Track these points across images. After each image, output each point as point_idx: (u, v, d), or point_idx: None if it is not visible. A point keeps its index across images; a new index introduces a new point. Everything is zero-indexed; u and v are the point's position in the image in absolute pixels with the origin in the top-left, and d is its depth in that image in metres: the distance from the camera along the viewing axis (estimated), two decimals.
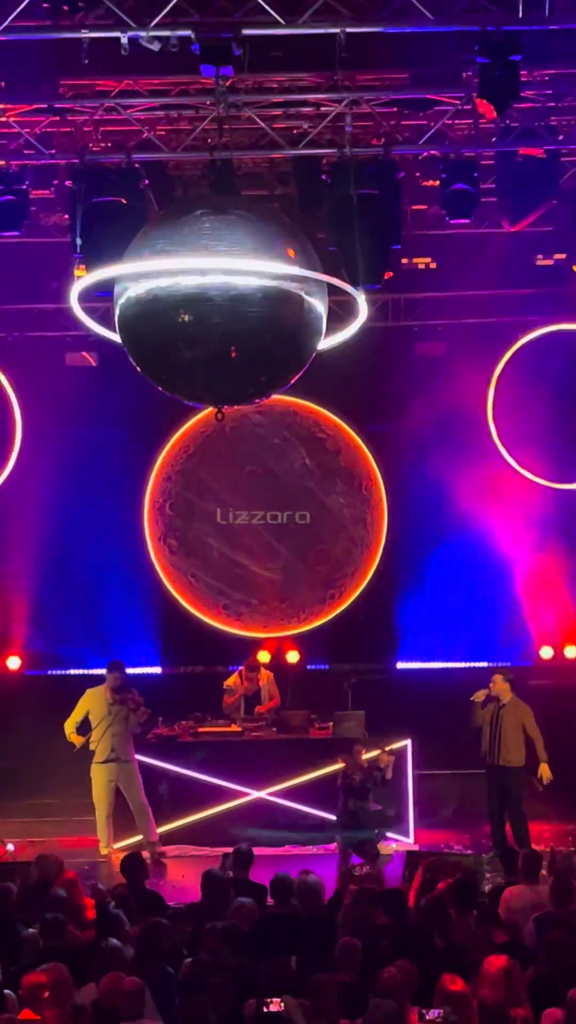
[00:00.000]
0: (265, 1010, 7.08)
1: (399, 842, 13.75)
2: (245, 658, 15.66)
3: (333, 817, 13.54)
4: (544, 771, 13.34)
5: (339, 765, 13.44)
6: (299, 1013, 7.09)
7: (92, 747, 13.83)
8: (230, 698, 14.85)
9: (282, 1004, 7.01)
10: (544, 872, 10.05)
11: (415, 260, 14.61)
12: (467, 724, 13.60)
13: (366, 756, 13.45)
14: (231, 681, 15.02)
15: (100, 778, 13.84)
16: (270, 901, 9.67)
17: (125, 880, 10.14)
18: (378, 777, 13.37)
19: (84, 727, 13.93)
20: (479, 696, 13.40)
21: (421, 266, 14.64)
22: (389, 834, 13.75)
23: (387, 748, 13.62)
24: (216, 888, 9.56)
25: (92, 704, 13.90)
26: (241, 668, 15.16)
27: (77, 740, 13.81)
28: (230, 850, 10.57)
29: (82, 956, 8.38)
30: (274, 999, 7.07)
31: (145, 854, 11.22)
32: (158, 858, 13.28)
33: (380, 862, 12.65)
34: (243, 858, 10.34)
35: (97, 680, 14.26)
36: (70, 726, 13.87)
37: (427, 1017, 7.12)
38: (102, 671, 14.30)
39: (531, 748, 13.49)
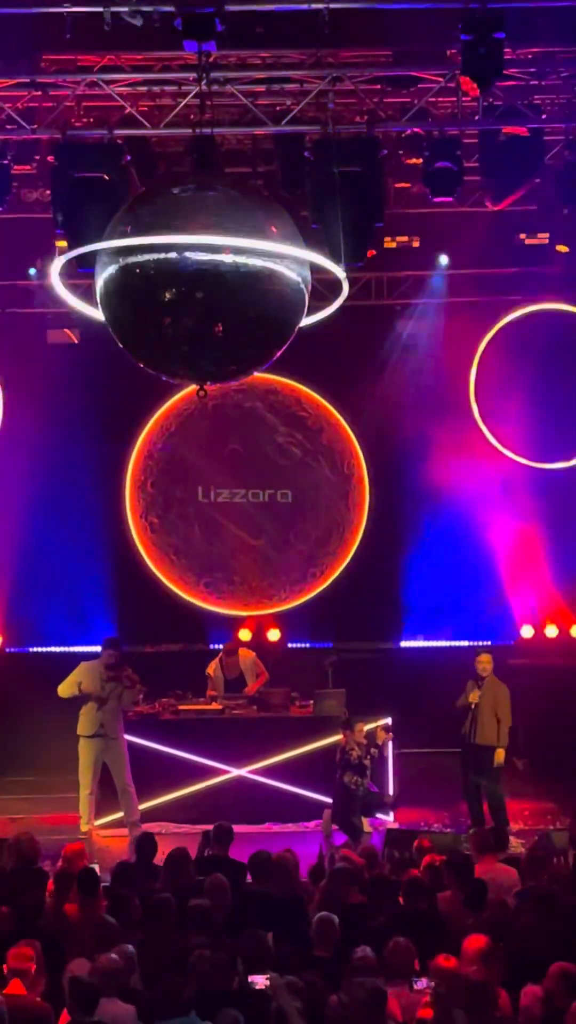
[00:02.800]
0: (248, 985, 7.09)
1: (380, 820, 13.78)
2: (226, 635, 15.65)
3: (314, 795, 13.58)
4: (499, 756, 13.30)
5: (336, 739, 13.45)
6: (285, 990, 7.09)
7: (81, 722, 13.78)
8: (211, 689, 14.83)
9: (268, 981, 7.00)
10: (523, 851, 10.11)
11: (398, 238, 14.57)
12: (448, 703, 13.64)
13: (365, 730, 13.50)
14: (211, 668, 15.01)
15: (86, 754, 13.81)
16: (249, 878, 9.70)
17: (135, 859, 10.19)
18: (375, 754, 13.42)
19: (75, 699, 13.88)
20: (474, 697, 13.38)
21: (396, 244, 14.60)
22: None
23: (380, 725, 13.68)
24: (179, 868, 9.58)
25: (85, 677, 13.85)
26: (220, 654, 15.14)
27: (91, 686, 13.76)
28: (210, 827, 10.58)
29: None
30: (259, 976, 7.07)
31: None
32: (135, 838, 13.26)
33: (362, 840, 12.70)
34: (223, 835, 10.35)
35: (77, 656, 14.24)
36: (67, 689, 13.80)
37: (416, 987, 7.15)
38: (82, 648, 14.28)
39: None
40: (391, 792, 14.01)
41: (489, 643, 16.23)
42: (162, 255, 8.64)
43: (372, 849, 10.66)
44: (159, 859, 9.94)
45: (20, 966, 7.58)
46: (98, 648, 14.22)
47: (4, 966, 7.63)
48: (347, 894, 8.94)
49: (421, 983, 7.14)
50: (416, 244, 14.91)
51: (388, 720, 13.97)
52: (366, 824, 13.40)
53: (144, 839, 10.32)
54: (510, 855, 10.53)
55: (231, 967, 7.64)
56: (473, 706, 13.29)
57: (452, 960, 7.47)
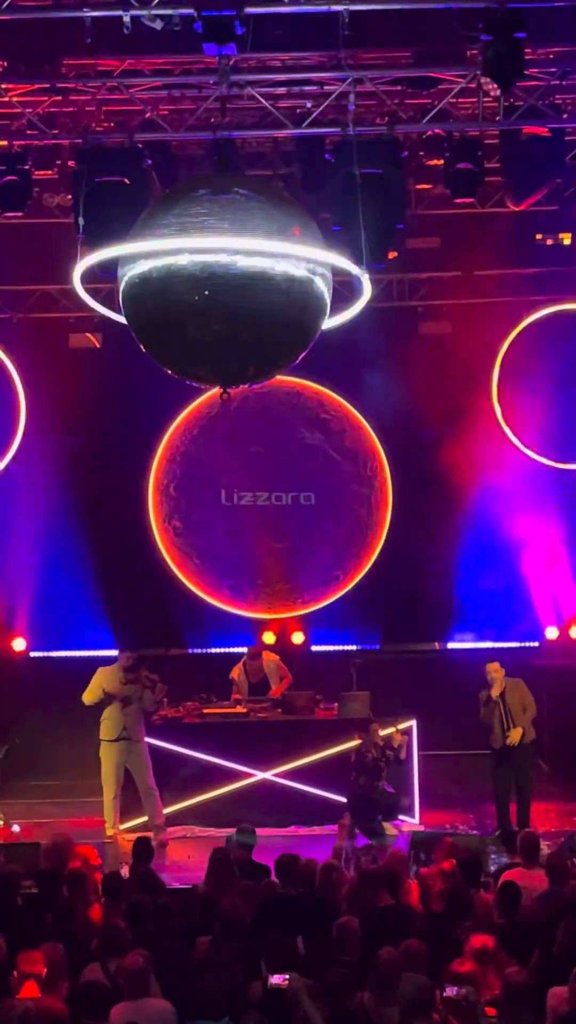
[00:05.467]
0: (268, 986, 7.08)
1: (404, 823, 13.75)
2: (250, 638, 15.64)
3: (339, 798, 13.56)
4: (515, 735, 13.31)
5: (354, 743, 13.43)
6: (304, 991, 7.09)
7: (104, 727, 13.80)
8: (236, 693, 14.85)
9: (286, 980, 7.00)
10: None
11: (419, 240, 14.56)
12: (473, 704, 13.64)
13: (381, 734, 13.47)
14: (235, 672, 15.02)
15: (109, 758, 13.84)
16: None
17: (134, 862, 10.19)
18: (391, 756, 13.40)
19: (95, 705, 13.91)
20: (496, 691, 13.41)
21: (418, 246, 14.60)
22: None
23: (399, 727, 13.65)
24: (222, 868, 9.58)
25: (105, 682, 13.89)
26: (243, 658, 15.14)
27: (112, 689, 13.77)
28: (234, 831, 10.58)
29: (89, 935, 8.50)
30: (277, 975, 7.06)
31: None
32: (161, 841, 13.29)
33: (386, 843, 12.68)
34: (246, 838, 10.35)
35: (102, 660, 14.26)
36: (92, 695, 13.82)
37: (446, 995, 7.15)
38: (107, 652, 14.28)
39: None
40: (416, 794, 13.98)
41: (514, 643, 16.22)
42: (183, 258, 8.64)
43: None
44: (185, 861, 9.95)
45: (31, 970, 7.60)
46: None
47: (15, 971, 7.65)
48: (375, 897, 8.93)
49: (452, 990, 7.13)
50: (437, 245, 14.94)
51: (410, 723, 13.95)
52: (389, 828, 13.38)
53: (139, 844, 10.37)
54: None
55: (256, 970, 7.64)
56: (500, 707, 13.29)
57: (467, 965, 7.48)
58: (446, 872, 9.43)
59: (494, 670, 13.50)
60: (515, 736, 13.26)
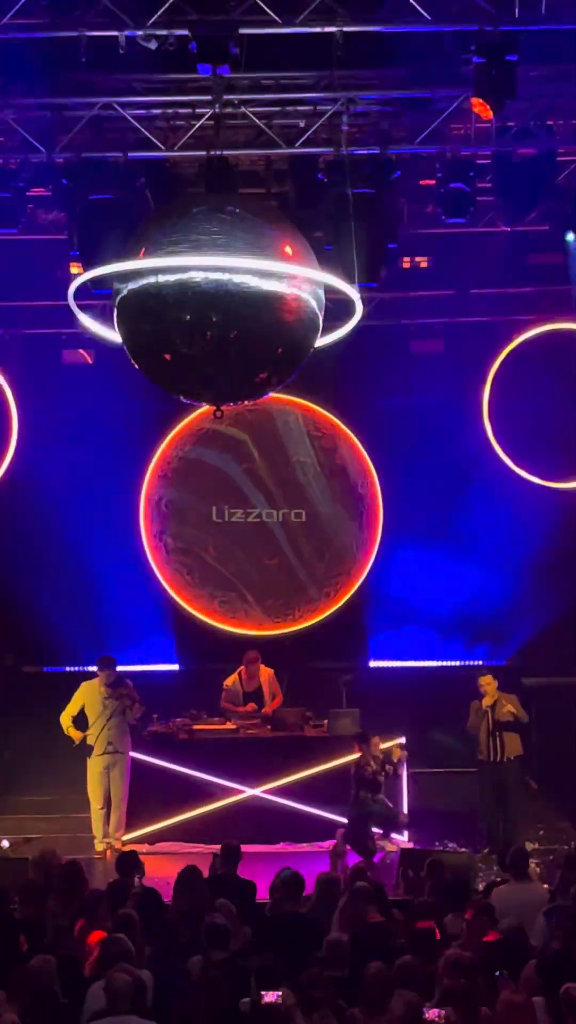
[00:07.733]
0: (261, 1002, 7.09)
1: (394, 840, 13.76)
2: (240, 656, 15.65)
3: (328, 815, 13.57)
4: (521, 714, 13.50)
5: (352, 757, 13.44)
6: (297, 1008, 7.09)
7: (91, 741, 13.83)
8: (224, 701, 14.85)
9: (279, 996, 7.00)
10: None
11: (411, 259, 14.62)
12: (462, 722, 13.68)
13: (382, 747, 13.49)
14: (230, 681, 15.02)
15: (93, 770, 13.83)
16: (260, 898, 9.72)
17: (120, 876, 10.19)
18: (391, 770, 13.41)
19: (80, 720, 13.90)
20: (488, 700, 13.47)
21: (408, 264, 14.66)
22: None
23: (398, 742, 13.67)
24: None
25: (87, 698, 13.90)
26: (240, 667, 15.15)
27: (76, 735, 13.77)
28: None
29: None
30: (269, 992, 7.07)
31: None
32: (115, 853, 13.14)
33: (376, 861, 12.67)
34: (231, 854, 10.35)
35: (92, 677, 14.27)
36: (67, 719, 13.85)
37: (426, 1017, 7.13)
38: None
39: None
40: (405, 812, 13.99)
41: (502, 662, 16.23)
42: (177, 277, 8.69)
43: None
44: (172, 878, 9.93)
45: None
46: (119, 667, 14.26)
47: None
48: (366, 913, 8.94)
49: (433, 1013, 7.12)
50: (426, 264, 15.00)
51: (403, 739, 13.98)
52: (382, 845, 13.36)
53: (125, 857, 10.37)
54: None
55: (243, 986, 7.65)
56: (488, 718, 13.35)
57: (462, 982, 7.48)
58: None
59: (487, 683, 13.56)
60: (487, 700, 13.43)
